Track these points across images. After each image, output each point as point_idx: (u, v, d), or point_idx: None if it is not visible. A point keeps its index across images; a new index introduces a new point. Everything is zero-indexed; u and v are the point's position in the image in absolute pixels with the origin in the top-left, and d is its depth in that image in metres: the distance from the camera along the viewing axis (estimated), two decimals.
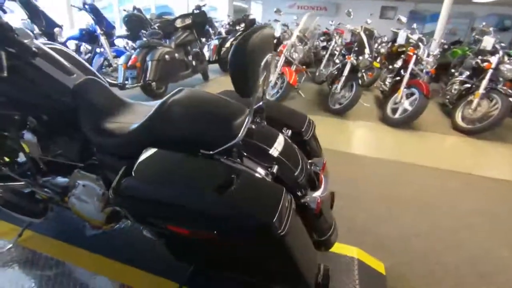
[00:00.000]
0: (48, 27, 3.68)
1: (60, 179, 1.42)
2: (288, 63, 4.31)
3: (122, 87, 3.79)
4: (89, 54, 4.73)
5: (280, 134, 1.21)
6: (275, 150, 1.11)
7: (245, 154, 1.03)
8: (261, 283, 1.08)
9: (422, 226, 1.98)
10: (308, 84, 5.88)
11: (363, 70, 4.10)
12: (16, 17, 4.01)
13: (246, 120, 0.99)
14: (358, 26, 4.65)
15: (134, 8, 5.13)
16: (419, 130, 3.92)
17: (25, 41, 1.19)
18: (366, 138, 3.79)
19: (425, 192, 2.43)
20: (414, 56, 3.96)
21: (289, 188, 1.05)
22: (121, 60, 3.91)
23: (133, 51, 4.04)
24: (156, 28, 4.82)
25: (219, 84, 5.56)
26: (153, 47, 3.98)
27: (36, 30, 3.64)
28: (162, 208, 0.90)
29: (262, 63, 0.93)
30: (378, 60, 6.01)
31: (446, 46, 6.85)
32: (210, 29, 7.32)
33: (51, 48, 1.31)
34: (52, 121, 1.31)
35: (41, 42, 1.30)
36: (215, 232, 0.86)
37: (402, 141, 3.57)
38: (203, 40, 6.10)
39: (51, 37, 3.72)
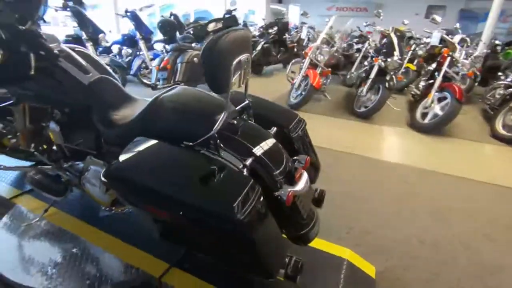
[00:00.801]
0: (94, 33, 4.13)
1: (79, 164, 1.63)
2: (313, 65, 4.30)
3: (154, 87, 4.11)
4: (130, 57, 5.20)
5: (271, 137, 1.25)
6: (260, 148, 1.15)
7: (221, 146, 1.11)
8: (232, 269, 1.15)
9: (432, 234, 1.89)
10: (337, 86, 5.78)
11: (392, 73, 3.94)
12: (71, 25, 4.57)
13: (222, 115, 1.07)
14: (389, 28, 4.47)
15: (171, 14, 5.49)
16: (451, 136, 3.65)
17: (52, 45, 1.41)
18: (388, 143, 3.63)
19: (444, 201, 2.30)
20: (449, 58, 3.71)
21: (266, 184, 1.11)
22: (155, 62, 4.23)
23: (166, 54, 4.34)
24: (191, 32, 5.13)
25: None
26: (183, 50, 4.24)
27: (84, 36, 4.10)
28: (140, 190, 1.01)
29: (234, 62, 1.01)
30: (415, 62, 5.71)
31: (499, 48, 6.24)
32: None
33: (74, 51, 1.53)
34: (72, 114, 1.52)
35: (66, 45, 1.52)
36: (181, 213, 0.96)
37: (428, 148, 3.37)
38: None
39: (96, 42, 4.17)
